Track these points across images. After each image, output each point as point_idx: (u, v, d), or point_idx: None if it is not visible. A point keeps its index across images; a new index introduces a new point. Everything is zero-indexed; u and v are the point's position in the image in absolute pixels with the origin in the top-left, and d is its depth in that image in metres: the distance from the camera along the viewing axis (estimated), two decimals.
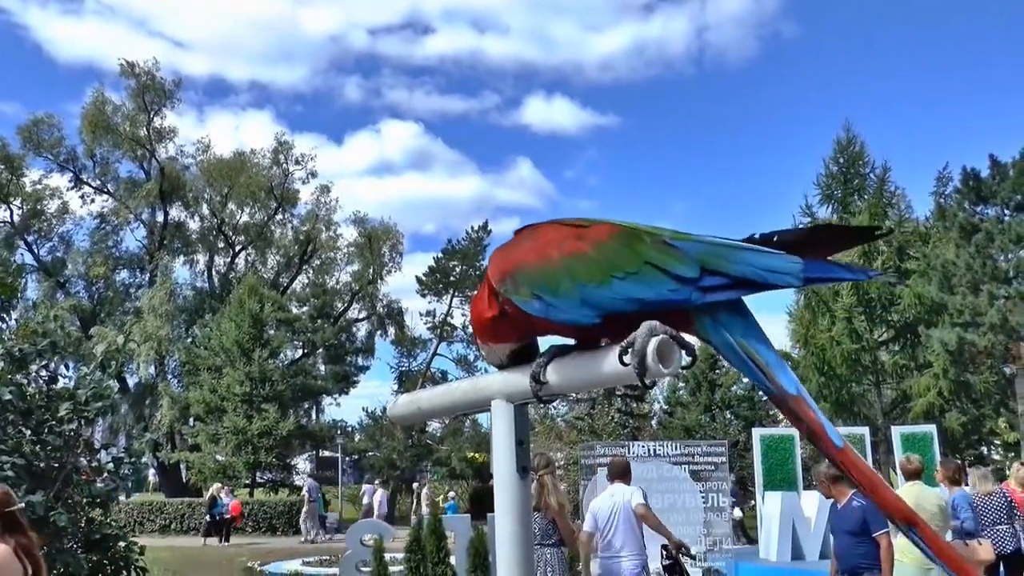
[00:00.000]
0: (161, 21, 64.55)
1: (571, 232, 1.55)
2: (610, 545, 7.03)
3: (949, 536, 7.94)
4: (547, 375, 1.53)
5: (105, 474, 6.62)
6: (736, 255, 1.46)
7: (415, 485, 31.50)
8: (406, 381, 37.39)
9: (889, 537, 6.43)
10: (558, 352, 1.56)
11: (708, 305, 1.47)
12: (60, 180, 36.70)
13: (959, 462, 10.07)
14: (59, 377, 6.88)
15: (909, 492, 7.41)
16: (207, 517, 24.55)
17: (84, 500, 6.36)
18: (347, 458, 38.59)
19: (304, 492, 25.76)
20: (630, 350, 1.35)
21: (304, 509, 25.07)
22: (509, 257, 1.58)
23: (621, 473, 7.35)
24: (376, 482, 28.20)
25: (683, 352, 1.37)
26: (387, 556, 8.46)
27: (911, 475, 7.51)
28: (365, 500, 26.42)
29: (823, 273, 1.48)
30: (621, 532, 6.97)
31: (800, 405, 1.46)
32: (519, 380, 1.57)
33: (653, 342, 1.33)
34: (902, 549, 7.53)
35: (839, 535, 6.71)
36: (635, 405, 30.45)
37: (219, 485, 25.83)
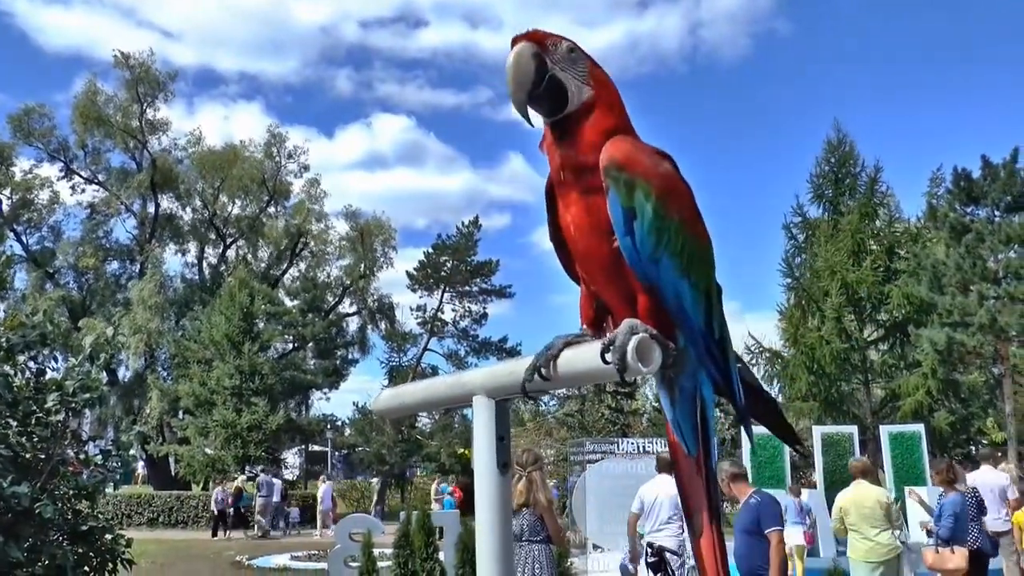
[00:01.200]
0: (150, 11, 64.09)
1: (692, 204, 1.58)
2: (656, 524, 8.02)
3: (897, 534, 8.21)
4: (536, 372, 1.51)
5: (92, 466, 6.60)
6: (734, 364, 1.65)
7: (374, 481, 31.45)
8: (396, 376, 37.35)
9: (781, 535, 6.31)
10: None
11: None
12: (50, 170, 36.61)
13: (950, 461, 10.20)
14: (47, 369, 6.85)
15: (852, 491, 7.90)
16: (231, 510, 24.52)
17: (71, 492, 6.33)
18: (337, 452, 38.59)
19: (255, 488, 25.90)
20: (611, 348, 1.36)
21: (252, 503, 25.34)
22: (643, 162, 1.52)
23: (668, 466, 8.14)
24: (322, 476, 28.09)
25: (662, 352, 1.38)
26: (376, 551, 8.45)
27: (856, 474, 8.03)
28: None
29: (744, 419, 1.71)
30: (665, 515, 7.94)
31: (709, 475, 1.63)
32: (501, 376, 1.58)
33: (633, 340, 1.34)
34: (851, 545, 7.80)
35: (737, 534, 6.52)
36: (625, 402, 30.48)
37: (243, 477, 25.86)
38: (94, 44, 69.21)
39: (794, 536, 12.22)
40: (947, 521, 7.92)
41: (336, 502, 26.29)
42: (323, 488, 25.72)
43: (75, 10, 62.40)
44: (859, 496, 7.76)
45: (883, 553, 7.58)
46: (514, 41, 1.57)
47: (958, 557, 7.87)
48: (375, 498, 28.27)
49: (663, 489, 7.99)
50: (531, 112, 1.58)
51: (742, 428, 1.77)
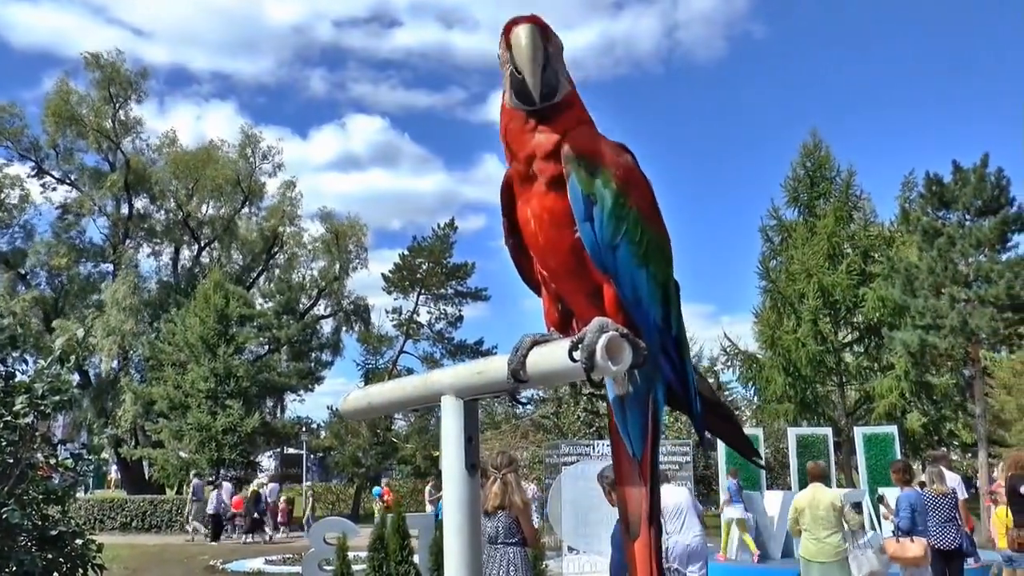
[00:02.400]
0: (120, 9, 63.50)
1: (651, 197, 1.58)
2: (675, 528, 8.14)
3: (869, 535, 8.85)
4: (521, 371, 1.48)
5: (63, 470, 6.51)
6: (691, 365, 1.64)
7: (304, 486, 31.08)
8: (372, 379, 37.16)
9: None
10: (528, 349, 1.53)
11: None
12: (21, 169, 36.11)
13: (906, 461, 10.90)
14: (17, 371, 6.75)
15: (807, 493, 8.31)
16: (254, 514, 24.22)
17: (39, 496, 6.24)
18: (312, 455, 38.34)
19: (190, 491, 25.67)
20: (580, 346, 1.35)
21: (187, 508, 25.22)
22: (604, 151, 1.53)
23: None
24: (257, 480, 27.65)
25: (632, 351, 1.36)
26: (350, 555, 8.40)
27: (813, 478, 8.43)
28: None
29: (699, 427, 1.67)
30: (687, 518, 8.14)
31: (653, 478, 1.62)
32: (469, 376, 1.56)
33: (603, 339, 1.33)
34: (803, 545, 8.11)
35: (614, 548, 6.42)
36: (601, 404, 30.51)
37: (261, 481, 25.55)
38: (64, 42, 68.36)
39: (735, 511, 13.99)
40: (905, 513, 8.45)
41: (280, 507, 25.85)
42: (267, 488, 25.58)
43: (43, 7, 61.69)
44: (814, 499, 8.13)
45: (831, 554, 7.98)
46: (516, 21, 1.57)
47: (917, 546, 8.34)
48: (309, 505, 27.31)
49: (681, 499, 8.40)
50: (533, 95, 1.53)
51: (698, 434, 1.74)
